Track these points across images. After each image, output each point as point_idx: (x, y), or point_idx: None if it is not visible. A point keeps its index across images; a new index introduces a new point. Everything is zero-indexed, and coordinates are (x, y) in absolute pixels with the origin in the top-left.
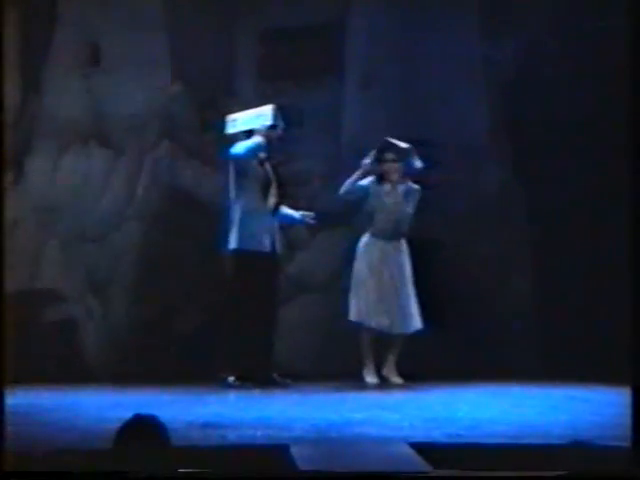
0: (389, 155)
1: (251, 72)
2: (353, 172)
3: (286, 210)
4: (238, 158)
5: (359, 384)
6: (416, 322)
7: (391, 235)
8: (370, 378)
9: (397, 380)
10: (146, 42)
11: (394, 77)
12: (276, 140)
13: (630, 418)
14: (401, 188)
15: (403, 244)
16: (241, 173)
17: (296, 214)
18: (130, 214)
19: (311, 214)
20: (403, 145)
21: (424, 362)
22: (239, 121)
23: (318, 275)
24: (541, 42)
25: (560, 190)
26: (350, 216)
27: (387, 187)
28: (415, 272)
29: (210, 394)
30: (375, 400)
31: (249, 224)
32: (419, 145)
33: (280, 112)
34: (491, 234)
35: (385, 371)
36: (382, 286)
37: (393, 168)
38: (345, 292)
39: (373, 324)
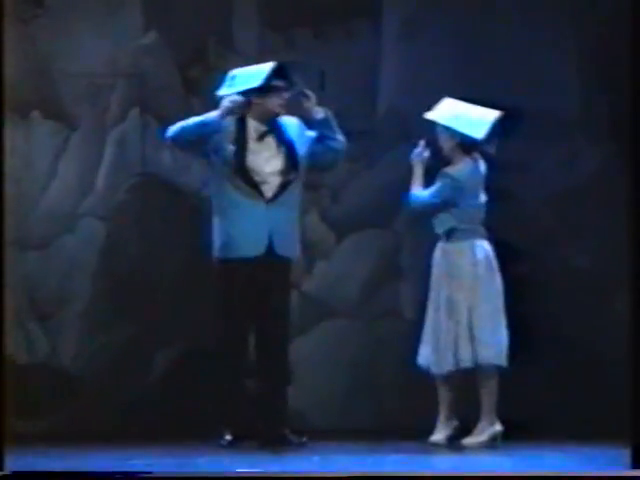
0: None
1: (253, 16)
2: (391, 152)
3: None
4: (172, 141)
5: (400, 442)
6: (463, 357)
7: (444, 236)
8: (435, 436)
9: (468, 441)
10: None
11: (449, 24)
12: (280, 108)
13: None
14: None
15: (460, 251)
16: (211, 154)
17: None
18: (87, 210)
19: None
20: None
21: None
22: (238, 79)
23: (346, 294)
24: None
25: None
26: (391, 213)
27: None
28: None
29: (199, 456)
30: (423, 463)
31: (226, 223)
32: None
33: (294, 71)
34: (586, 238)
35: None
36: (431, 306)
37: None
38: (382, 316)
39: (419, 361)
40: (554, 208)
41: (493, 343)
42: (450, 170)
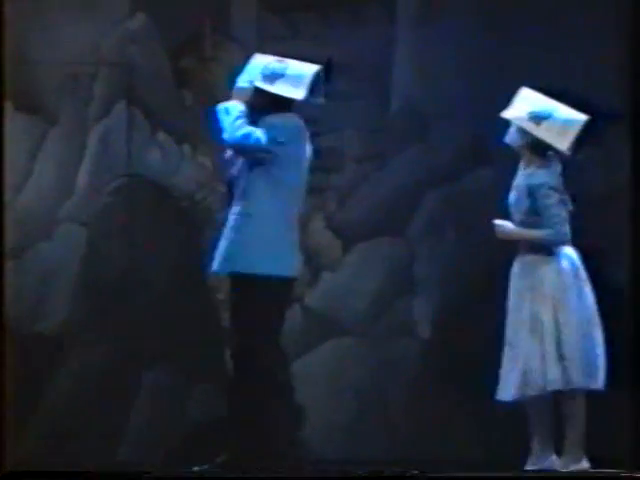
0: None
1: None
2: (405, 152)
3: None
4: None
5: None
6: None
7: (524, 248)
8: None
9: None
10: None
11: (472, 7)
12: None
13: None
14: (523, 176)
15: (542, 261)
16: None
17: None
18: (67, 214)
19: None
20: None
21: None
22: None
23: (353, 309)
24: None
25: None
26: (404, 220)
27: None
28: None
29: None
30: None
31: None
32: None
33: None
34: (628, 247)
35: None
36: (510, 328)
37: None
38: (394, 335)
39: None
40: (593, 212)
41: (585, 362)
42: (543, 179)
